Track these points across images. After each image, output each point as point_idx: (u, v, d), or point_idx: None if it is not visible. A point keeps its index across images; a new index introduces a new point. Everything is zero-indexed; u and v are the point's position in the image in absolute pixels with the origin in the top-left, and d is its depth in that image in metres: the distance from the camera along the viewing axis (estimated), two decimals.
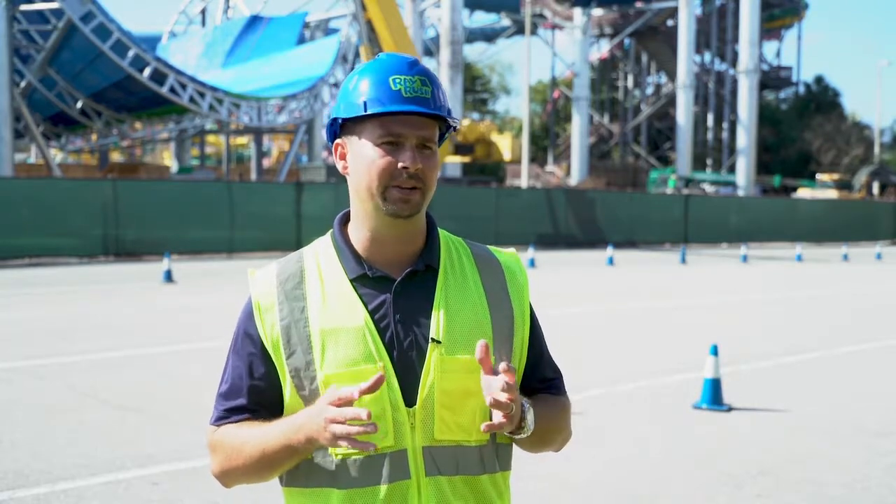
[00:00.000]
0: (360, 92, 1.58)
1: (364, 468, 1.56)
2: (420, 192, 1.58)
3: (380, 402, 1.55)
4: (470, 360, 1.58)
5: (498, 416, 1.49)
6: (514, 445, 1.69)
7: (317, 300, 1.61)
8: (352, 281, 1.62)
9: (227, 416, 1.66)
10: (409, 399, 1.57)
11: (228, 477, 1.67)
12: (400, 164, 1.55)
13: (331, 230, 1.70)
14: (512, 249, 1.77)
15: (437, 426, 1.58)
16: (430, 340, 1.59)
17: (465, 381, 1.59)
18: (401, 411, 1.57)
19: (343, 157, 1.64)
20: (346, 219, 1.69)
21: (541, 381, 1.74)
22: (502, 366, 1.47)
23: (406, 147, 1.56)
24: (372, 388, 1.44)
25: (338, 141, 1.65)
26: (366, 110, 1.56)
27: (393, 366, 1.57)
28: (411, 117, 1.56)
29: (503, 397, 1.46)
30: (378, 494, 1.56)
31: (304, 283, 1.64)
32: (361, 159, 1.59)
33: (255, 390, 1.64)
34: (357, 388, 1.44)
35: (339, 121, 1.62)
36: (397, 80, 1.56)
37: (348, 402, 1.45)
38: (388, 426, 1.56)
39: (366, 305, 1.60)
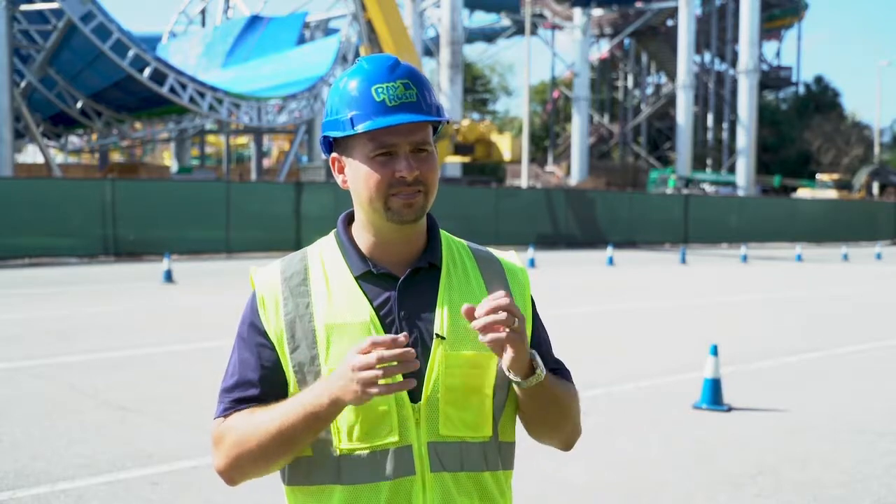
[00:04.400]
0: (346, 106, 1.57)
1: (368, 464, 1.56)
2: (422, 194, 1.58)
3: (385, 398, 1.54)
4: (474, 355, 1.60)
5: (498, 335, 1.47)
6: (515, 444, 1.69)
7: (322, 296, 1.61)
8: (356, 278, 1.62)
9: (234, 406, 1.62)
10: (414, 395, 1.57)
11: (237, 467, 1.60)
12: (397, 175, 1.55)
13: (334, 230, 1.70)
14: (511, 252, 1.78)
15: (442, 422, 1.58)
16: (434, 336, 1.59)
17: (469, 377, 1.59)
18: (406, 407, 1.56)
19: (341, 171, 1.64)
20: (349, 219, 1.70)
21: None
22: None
23: (401, 156, 1.56)
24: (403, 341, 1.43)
25: (333, 155, 1.65)
26: (353, 127, 1.55)
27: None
28: (401, 125, 1.55)
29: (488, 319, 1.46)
30: (382, 490, 1.56)
31: (308, 280, 1.64)
32: (358, 175, 1.58)
33: (267, 379, 1.61)
34: (391, 336, 1.43)
35: (331, 138, 1.62)
36: (380, 90, 1.54)
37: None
38: (394, 422, 1.56)
39: (371, 301, 1.60)
